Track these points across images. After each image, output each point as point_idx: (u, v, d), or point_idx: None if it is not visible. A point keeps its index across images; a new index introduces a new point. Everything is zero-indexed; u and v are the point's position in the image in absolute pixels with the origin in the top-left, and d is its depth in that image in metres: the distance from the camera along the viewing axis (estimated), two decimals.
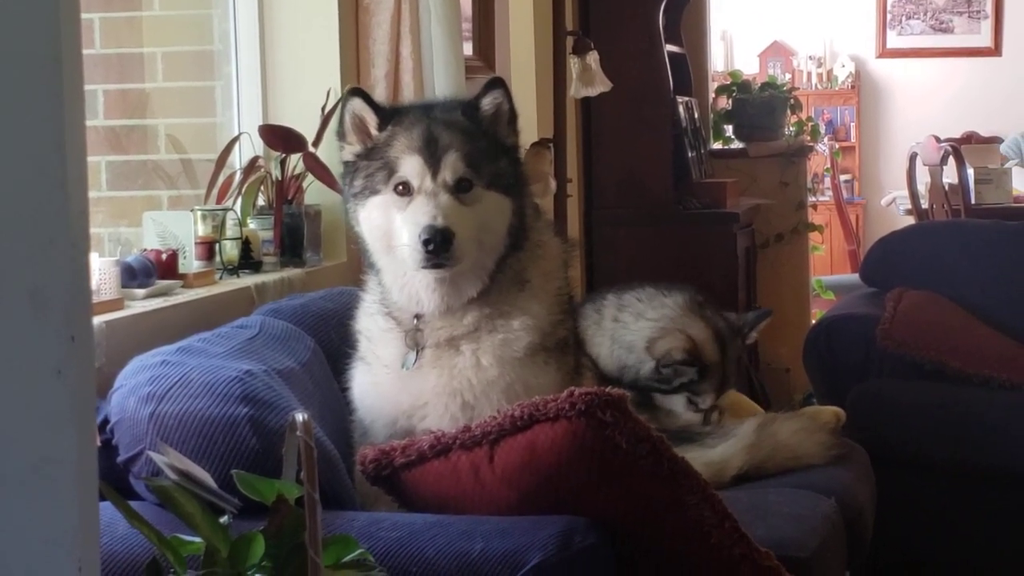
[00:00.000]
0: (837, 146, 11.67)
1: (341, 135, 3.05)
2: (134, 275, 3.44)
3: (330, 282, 3.96)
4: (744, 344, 4.01)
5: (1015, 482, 4.73)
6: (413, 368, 2.97)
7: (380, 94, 4.12)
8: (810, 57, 12.45)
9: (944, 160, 8.57)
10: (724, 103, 8.00)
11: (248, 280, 3.80)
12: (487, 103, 2.99)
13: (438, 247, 2.82)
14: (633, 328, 3.90)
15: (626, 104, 6.48)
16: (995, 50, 12.08)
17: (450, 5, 4.31)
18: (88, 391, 1.49)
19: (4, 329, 1.44)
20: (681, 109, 6.84)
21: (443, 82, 4.26)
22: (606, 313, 3.95)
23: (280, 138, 4.03)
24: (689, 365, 3.82)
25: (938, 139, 8.97)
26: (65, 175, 1.44)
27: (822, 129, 10.71)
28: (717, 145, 7.85)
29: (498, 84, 3.01)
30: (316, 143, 4.05)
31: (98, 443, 2.58)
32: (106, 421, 2.75)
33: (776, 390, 6.80)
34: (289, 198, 4.05)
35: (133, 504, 2.12)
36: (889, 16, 12.27)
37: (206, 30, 4.33)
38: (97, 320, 3.06)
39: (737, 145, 7.75)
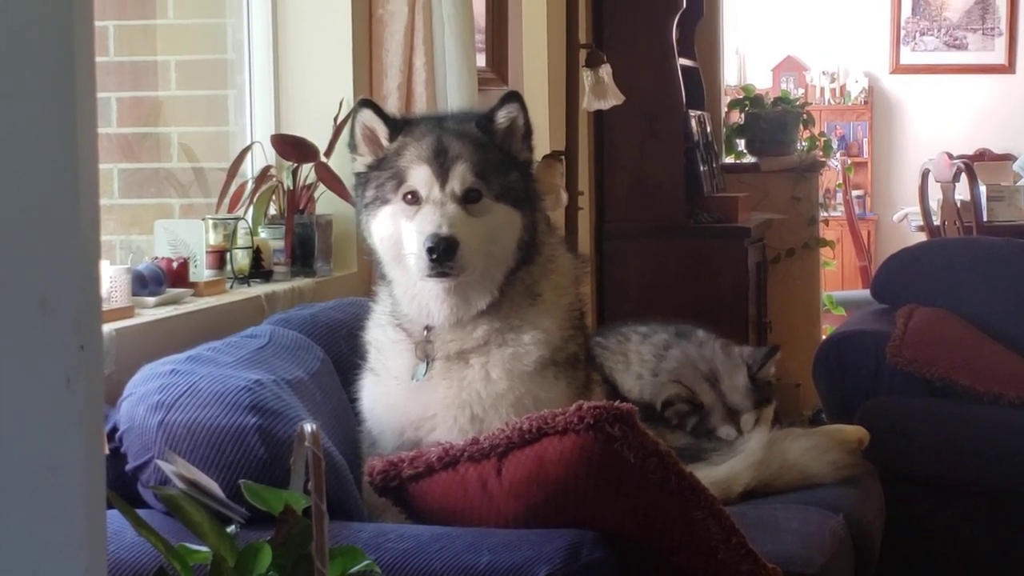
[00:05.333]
0: (849, 162, 11.66)
1: (352, 147, 3.06)
2: (145, 283, 3.44)
3: (340, 292, 3.96)
4: (751, 375, 3.97)
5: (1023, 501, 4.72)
6: (423, 380, 2.97)
7: (392, 105, 4.12)
8: (823, 72, 12.45)
9: (956, 177, 8.57)
10: (736, 117, 8.00)
11: (258, 290, 3.80)
12: (502, 116, 2.99)
13: (442, 255, 2.83)
14: (650, 386, 3.92)
15: (638, 117, 6.49)
16: (1009, 67, 12.07)
17: (464, 17, 4.32)
18: (97, 399, 1.49)
19: (14, 336, 1.44)
20: (693, 123, 6.84)
21: (456, 94, 4.26)
22: (632, 359, 3.97)
23: (292, 148, 4.04)
24: (686, 408, 3.83)
25: (951, 156, 8.97)
26: (76, 182, 1.44)
27: (834, 144, 10.69)
28: (729, 159, 7.85)
29: (514, 98, 3.01)
30: (328, 153, 4.05)
31: (107, 451, 2.59)
32: (115, 429, 2.75)
33: (786, 405, 6.79)
34: (300, 208, 4.05)
35: (141, 512, 2.12)
36: (903, 32, 12.26)
37: (220, 39, 4.34)
38: (107, 328, 3.06)
39: (749, 160, 7.75)
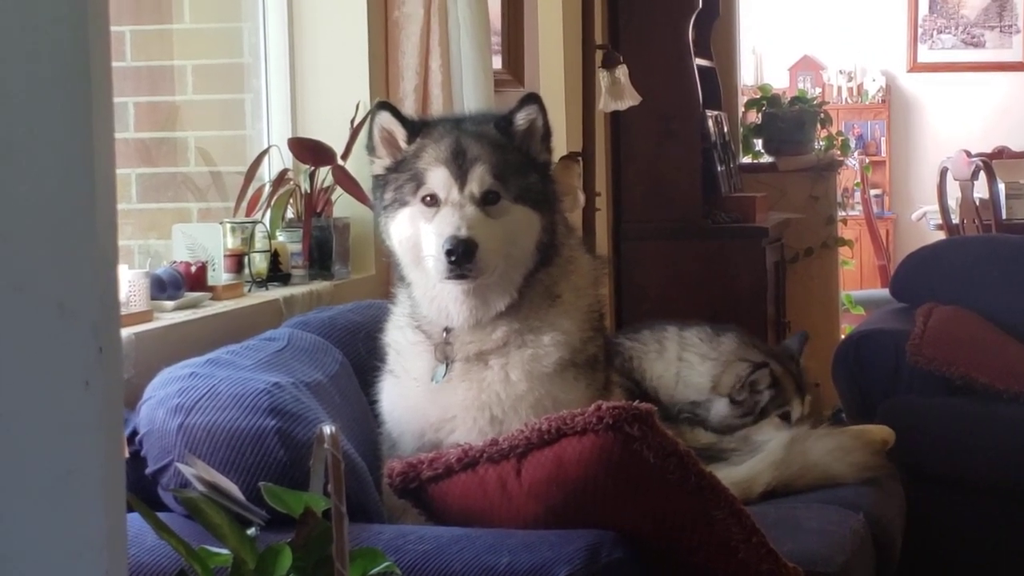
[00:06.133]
0: (867, 160, 11.64)
1: (370, 149, 3.05)
2: (163, 287, 3.44)
3: (358, 295, 3.97)
4: (800, 367, 4.05)
5: None
6: (442, 382, 2.97)
7: (409, 107, 4.12)
8: (840, 71, 12.43)
9: (975, 175, 8.54)
10: (754, 117, 7.99)
11: (276, 293, 3.81)
12: (521, 118, 2.99)
13: (460, 258, 2.82)
14: (699, 370, 3.94)
15: (655, 118, 6.48)
16: None
17: (479, 19, 4.32)
18: (116, 402, 1.49)
19: (33, 339, 1.44)
20: (710, 123, 6.83)
21: (472, 95, 4.26)
22: (669, 347, 3.99)
23: (309, 151, 4.04)
24: (762, 383, 3.85)
25: (969, 154, 8.94)
26: (94, 187, 1.45)
27: (852, 143, 10.67)
28: (746, 159, 7.84)
29: (533, 100, 3.01)
30: (345, 156, 4.06)
31: (126, 454, 2.59)
32: (135, 432, 2.76)
33: None
34: (318, 211, 4.05)
35: (161, 516, 2.12)
36: (920, 30, 12.23)
37: (236, 43, 4.35)
38: (126, 332, 3.06)
39: (767, 159, 7.74)
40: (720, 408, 3.88)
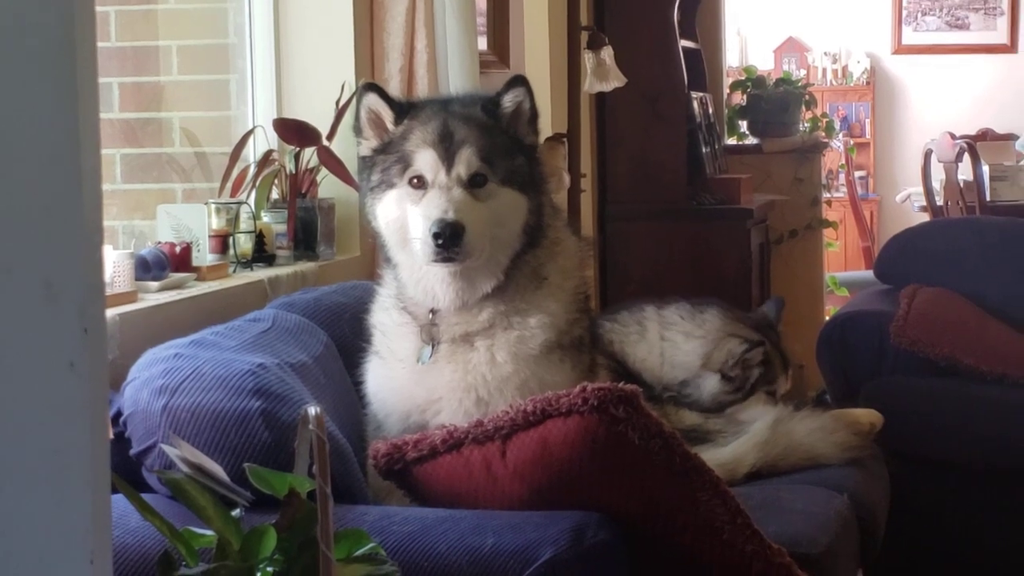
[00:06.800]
0: (852, 142, 11.65)
1: (357, 130, 3.05)
2: (148, 268, 3.44)
3: (343, 276, 3.96)
4: (779, 336, 4.06)
5: None
6: (428, 363, 2.97)
7: (394, 88, 4.12)
8: (825, 53, 12.43)
9: (959, 157, 8.56)
10: (739, 99, 7.99)
11: (261, 273, 3.81)
12: (508, 100, 2.99)
13: (448, 241, 2.82)
14: (684, 348, 3.90)
15: (640, 99, 6.48)
16: (1011, 47, 12.05)
17: None
18: (101, 383, 1.49)
19: (17, 321, 1.44)
20: (695, 105, 6.83)
21: (457, 76, 4.26)
22: (650, 328, 3.95)
23: (294, 132, 4.04)
24: (755, 360, 3.85)
25: (953, 136, 8.95)
26: (79, 167, 1.44)
27: (837, 125, 10.68)
28: (731, 141, 7.84)
29: (520, 82, 3.01)
30: (330, 137, 4.05)
31: (111, 436, 2.59)
32: (119, 414, 2.76)
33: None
34: (303, 192, 4.05)
35: (146, 497, 2.12)
36: (905, 12, 12.24)
37: (221, 23, 4.34)
38: (111, 312, 3.06)
39: (751, 141, 7.74)
40: (711, 384, 3.86)
